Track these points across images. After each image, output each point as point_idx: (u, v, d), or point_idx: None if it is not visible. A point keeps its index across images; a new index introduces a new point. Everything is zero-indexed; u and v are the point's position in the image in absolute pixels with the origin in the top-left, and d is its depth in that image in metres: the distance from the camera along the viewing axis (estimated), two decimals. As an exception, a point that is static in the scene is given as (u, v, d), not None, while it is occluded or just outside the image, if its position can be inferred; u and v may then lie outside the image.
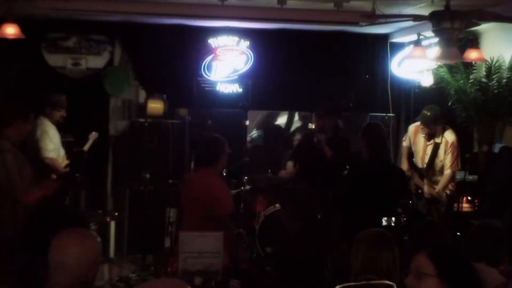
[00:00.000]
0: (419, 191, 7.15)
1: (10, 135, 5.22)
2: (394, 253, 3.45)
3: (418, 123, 7.29)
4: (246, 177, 7.72)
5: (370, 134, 5.88)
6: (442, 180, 7.02)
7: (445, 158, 7.04)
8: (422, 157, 7.24)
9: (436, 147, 7.07)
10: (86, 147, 7.22)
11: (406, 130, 7.78)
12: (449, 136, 7.07)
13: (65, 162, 7.03)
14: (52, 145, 6.93)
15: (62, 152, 7.09)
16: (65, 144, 7.23)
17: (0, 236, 4.82)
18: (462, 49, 6.45)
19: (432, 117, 7.05)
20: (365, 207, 5.33)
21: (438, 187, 7.01)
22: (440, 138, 7.08)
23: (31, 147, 6.76)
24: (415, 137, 7.35)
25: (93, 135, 7.37)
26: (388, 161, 6.75)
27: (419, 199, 7.16)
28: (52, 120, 7.01)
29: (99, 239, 3.00)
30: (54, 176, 6.60)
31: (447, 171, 7.01)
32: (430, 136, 7.14)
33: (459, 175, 6.64)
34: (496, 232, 3.98)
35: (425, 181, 7.13)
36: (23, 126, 5.34)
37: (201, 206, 5.13)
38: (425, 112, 7.10)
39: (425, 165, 7.17)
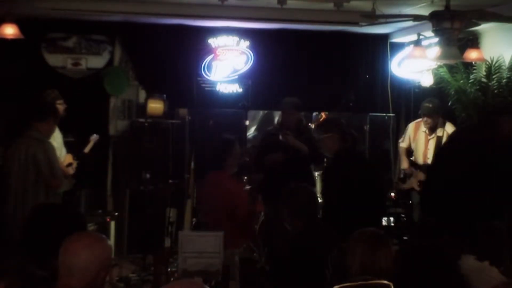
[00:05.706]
0: (423, 187, 7.16)
1: (42, 131, 5.59)
2: (390, 252, 3.45)
3: (417, 120, 7.34)
4: (246, 177, 7.71)
5: (341, 125, 5.67)
6: None
7: (448, 151, 7.05)
8: (424, 152, 7.27)
9: (439, 140, 7.10)
10: (87, 149, 7.21)
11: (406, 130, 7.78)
12: (450, 129, 7.12)
13: (67, 161, 7.02)
14: (55, 143, 6.93)
15: (64, 151, 7.09)
16: (65, 144, 7.23)
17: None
18: (462, 49, 6.46)
19: (434, 107, 7.15)
20: (357, 204, 5.23)
21: None
22: (442, 131, 7.13)
23: None
24: (416, 134, 7.37)
25: (94, 137, 7.33)
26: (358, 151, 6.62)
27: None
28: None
29: (109, 243, 2.99)
30: (70, 171, 6.65)
31: (451, 163, 7.01)
32: (432, 129, 7.18)
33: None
34: (498, 232, 3.99)
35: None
36: (53, 124, 5.76)
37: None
38: (427, 104, 7.19)
39: (427, 160, 7.18)
